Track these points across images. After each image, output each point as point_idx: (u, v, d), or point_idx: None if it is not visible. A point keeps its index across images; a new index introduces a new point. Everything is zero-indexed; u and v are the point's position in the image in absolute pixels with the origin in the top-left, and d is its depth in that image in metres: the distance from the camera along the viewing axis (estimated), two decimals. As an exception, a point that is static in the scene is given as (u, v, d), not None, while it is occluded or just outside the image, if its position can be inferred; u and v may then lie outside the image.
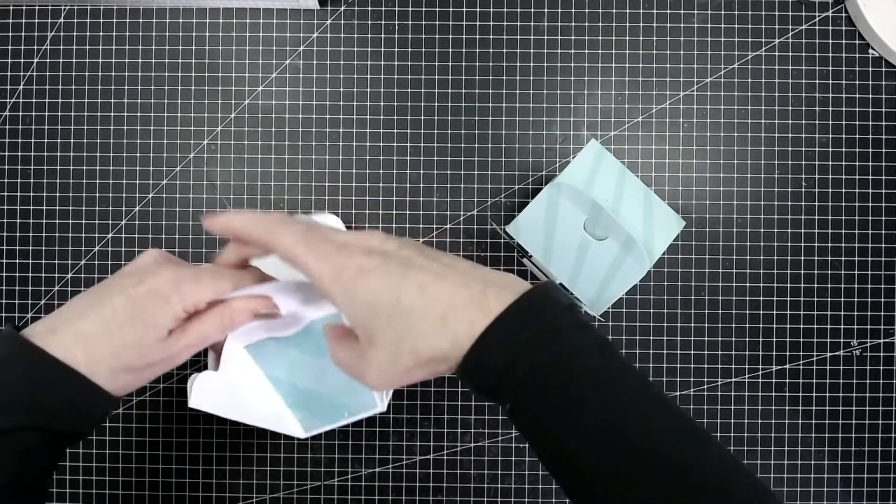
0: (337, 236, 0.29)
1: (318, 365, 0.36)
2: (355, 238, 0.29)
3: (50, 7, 0.48)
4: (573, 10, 0.47)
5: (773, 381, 0.46)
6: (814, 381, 0.46)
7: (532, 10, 0.47)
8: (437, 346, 0.26)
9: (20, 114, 0.47)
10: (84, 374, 0.29)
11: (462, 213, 0.47)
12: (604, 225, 0.39)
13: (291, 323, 0.36)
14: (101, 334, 0.30)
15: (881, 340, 0.46)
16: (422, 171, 0.47)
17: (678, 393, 0.46)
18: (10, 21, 0.48)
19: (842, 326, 0.46)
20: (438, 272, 0.27)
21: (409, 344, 0.26)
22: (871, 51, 0.47)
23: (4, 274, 0.47)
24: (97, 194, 0.47)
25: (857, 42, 0.47)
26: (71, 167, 0.47)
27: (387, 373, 0.27)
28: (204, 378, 0.35)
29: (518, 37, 0.47)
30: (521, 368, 0.25)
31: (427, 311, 0.26)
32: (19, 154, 0.47)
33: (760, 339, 0.46)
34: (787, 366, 0.46)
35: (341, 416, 0.37)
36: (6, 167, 0.47)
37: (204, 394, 0.35)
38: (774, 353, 0.46)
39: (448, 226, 0.47)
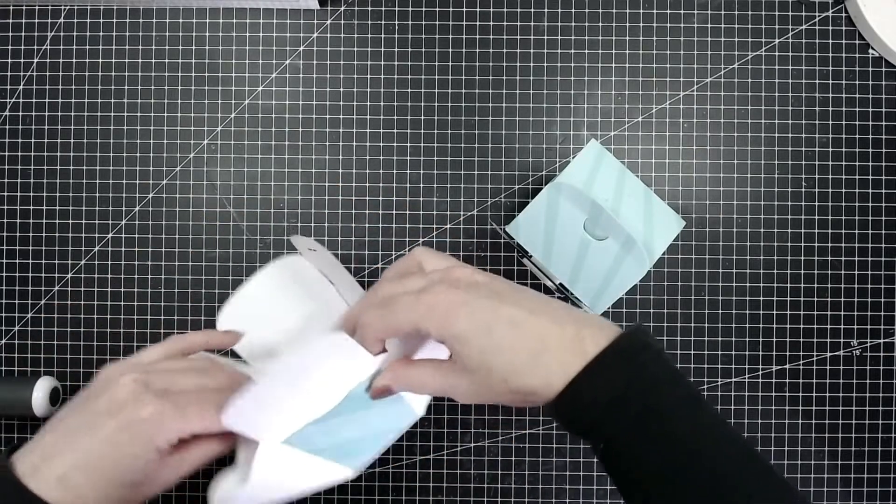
0: (416, 280, 0.29)
1: (360, 416, 0.33)
2: (444, 273, 0.29)
3: (50, 7, 0.48)
4: (573, 10, 0.47)
5: (773, 381, 0.46)
6: (814, 381, 0.46)
7: (532, 10, 0.47)
8: (527, 382, 0.27)
9: (20, 114, 0.47)
10: None
11: (462, 213, 0.47)
12: (604, 225, 0.39)
13: (328, 396, 0.31)
14: (83, 475, 0.29)
15: (881, 340, 0.46)
16: (422, 171, 0.47)
17: (678, 393, 0.46)
18: (10, 21, 0.48)
19: (842, 326, 0.46)
20: (531, 308, 0.28)
21: (499, 374, 0.27)
22: (871, 51, 0.47)
23: (4, 274, 0.47)
24: (97, 194, 0.47)
25: (857, 42, 0.47)
26: (71, 167, 0.47)
27: (477, 393, 0.28)
28: (227, 486, 0.31)
29: (518, 37, 0.47)
30: (619, 414, 0.26)
31: (518, 346, 0.27)
32: (19, 154, 0.47)
33: (760, 339, 0.46)
34: (787, 366, 0.46)
35: (386, 440, 0.33)
36: (6, 167, 0.47)
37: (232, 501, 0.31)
38: (774, 353, 0.46)
39: (448, 226, 0.47)
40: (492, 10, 0.47)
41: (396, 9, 0.47)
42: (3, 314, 0.47)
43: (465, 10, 0.47)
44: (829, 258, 0.47)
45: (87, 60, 0.47)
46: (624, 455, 0.27)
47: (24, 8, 0.48)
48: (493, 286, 0.28)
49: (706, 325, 0.46)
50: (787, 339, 0.46)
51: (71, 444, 0.29)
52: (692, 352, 0.46)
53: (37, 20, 0.48)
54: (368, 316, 0.29)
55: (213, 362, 0.35)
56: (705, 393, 0.46)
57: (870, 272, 0.46)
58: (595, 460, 0.46)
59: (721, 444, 0.26)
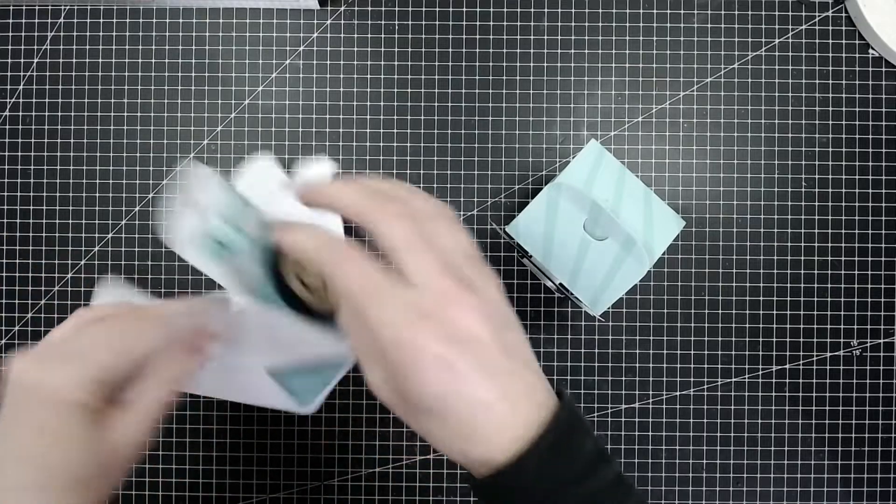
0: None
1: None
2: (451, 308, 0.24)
3: (50, 7, 0.48)
4: (573, 10, 0.47)
5: (773, 381, 0.46)
6: (814, 381, 0.46)
7: (532, 10, 0.47)
8: (465, 449, 0.23)
9: (20, 114, 0.47)
10: None
11: (462, 213, 0.47)
12: (604, 225, 0.39)
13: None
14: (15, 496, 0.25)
15: (881, 340, 0.46)
16: (422, 172, 0.47)
17: (678, 393, 0.46)
18: (10, 21, 0.48)
19: (842, 326, 0.46)
20: (502, 380, 0.23)
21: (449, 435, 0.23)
22: (871, 51, 0.47)
23: (4, 274, 0.47)
24: (97, 194, 0.47)
25: (857, 42, 0.47)
26: (71, 167, 0.47)
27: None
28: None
29: (518, 37, 0.47)
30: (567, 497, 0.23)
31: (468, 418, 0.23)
32: (19, 154, 0.47)
33: (760, 339, 0.46)
34: (787, 366, 0.46)
35: (330, 380, 0.34)
36: (6, 167, 0.47)
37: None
38: (774, 353, 0.46)
39: (448, 226, 0.47)
40: (492, 10, 0.47)
41: (396, 9, 0.47)
42: (4, 314, 0.47)
43: (465, 10, 0.47)
44: (829, 258, 0.47)
45: (87, 60, 0.47)
46: None
47: (24, 8, 0.48)
48: (503, 339, 0.24)
49: (706, 325, 0.46)
50: (787, 339, 0.46)
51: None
52: (692, 352, 0.46)
53: (37, 20, 0.48)
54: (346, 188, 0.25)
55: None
56: (705, 393, 0.46)
57: (870, 272, 0.46)
58: (595, 460, 0.46)
59: None
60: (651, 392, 0.46)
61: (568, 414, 0.24)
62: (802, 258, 0.47)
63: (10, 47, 0.47)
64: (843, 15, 0.47)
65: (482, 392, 0.23)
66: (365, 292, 0.24)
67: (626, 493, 0.24)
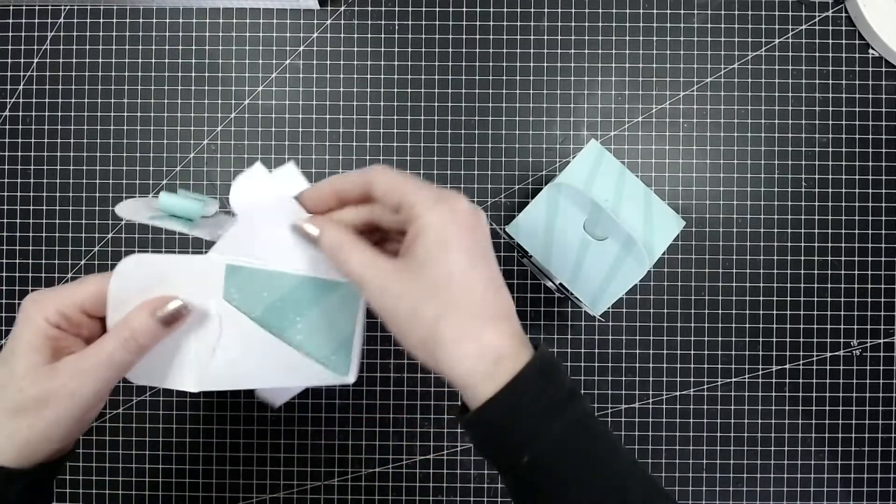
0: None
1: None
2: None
3: (50, 7, 0.48)
4: (573, 10, 0.47)
5: (773, 381, 0.46)
6: (814, 381, 0.46)
7: (532, 10, 0.47)
8: (472, 364, 0.26)
9: (20, 114, 0.47)
10: None
11: (462, 213, 0.47)
12: (604, 225, 0.39)
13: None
14: (12, 420, 0.27)
15: (881, 340, 0.46)
16: (422, 172, 0.47)
17: (678, 393, 0.46)
18: (10, 21, 0.48)
19: (842, 326, 0.46)
20: (508, 304, 0.27)
21: (435, 311, 0.26)
22: (871, 51, 0.47)
23: (4, 274, 0.47)
24: (97, 194, 0.47)
25: (857, 42, 0.47)
26: (71, 167, 0.47)
27: (395, 310, 0.27)
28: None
29: (518, 37, 0.47)
30: (555, 423, 0.26)
31: (477, 298, 0.26)
32: (19, 154, 0.47)
33: (760, 339, 0.46)
34: (787, 366, 0.46)
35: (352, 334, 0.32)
36: (6, 167, 0.47)
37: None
38: (774, 353, 0.46)
39: (448, 226, 0.47)
40: (492, 10, 0.47)
41: (396, 9, 0.47)
42: (4, 314, 0.47)
43: (465, 10, 0.47)
44: (829, 258, 0.47)
45: (87, 60, 0.47)
46: (551, 472, 0.26)
47: (24, 8, 0.48)
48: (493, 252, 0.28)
49: (706, 325, 0.46)
50: (787, 339, 0.46)
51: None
52: (692, 352, 0.46)
53: (37, 20, 0.48)
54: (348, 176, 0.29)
55: None
56: (705, 393, 0.46)
57: (870, 272, 0.46)
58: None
59: (634, 472, 0.27)
60: (651, 392, 0.46)
61: (547, 353, 0.27)
62: (802, 258, 0.47)
63: (10, 47, 0.47)
64: (843, 15, 0.47)
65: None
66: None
67: (602, 425, 0.27)
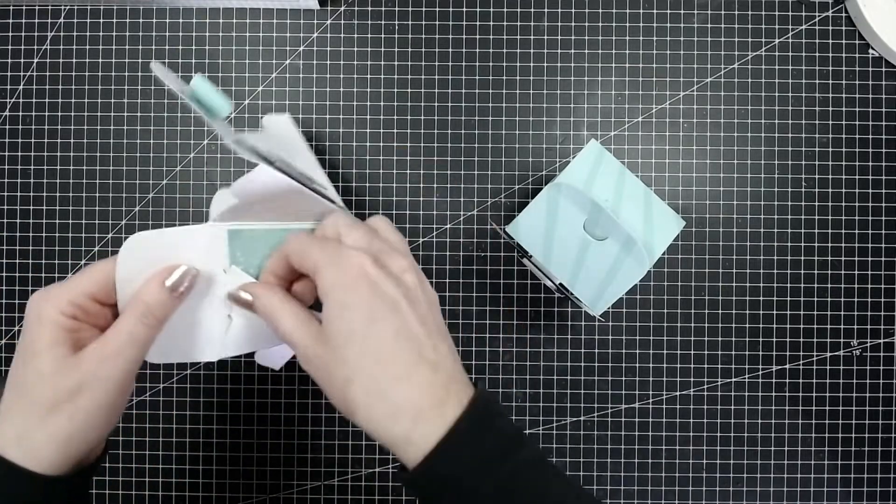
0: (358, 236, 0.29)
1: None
2: (383, 245, 0.28)
3: (50, 7, 0.48)
4: (573, 10, 0.47)
5: (773, 381, 0.46)
6: (814, 381, 0.46)
7: (532, 10, 0.47)
8: (383, 421, 0.25)
9: (20, 114, 0.47)
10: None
11: (462, 213, 0.47)
12: (604, 225, 0.39)
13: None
14: (23, 420, 0.27)
15: (881, 340, 0.46)
16: (422, 171, 0.47)
17: (678, 393, 0.46)
18: (10, 21, 0.48)
19: (842, 326, 0.46)
20: (423, 353, 0.26)
21: (350, 378, 0.26)
22: (871, 51, 0.47)
23: (4, 274, 0.47)
24: (97, 194, 0.47)
25: (857, 42, 0.47)
26: (71, 167, 0.47)
27: (318, 368, 0.27)
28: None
29: (518, 37, 0.47)
30: (488, 476, 0.25)
31: (391, 372, 0.25)
32: (19, 154, 0.47)
33: (760, 339, 0.46)
34: (787, 366, 0.46)
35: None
36: (6, 167, 0.47)
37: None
38: (774, 353, 0.46)
39: (448, 226, 0.47)
40: (492, 10, 0.47)
41: (396, 9, 0.47)
42: (4, 314, 0.47)
43: (465, 10, 0.47)
44: (829, 258, 0.47)
45: (87, 60, 0.47)
46: None
47: (24, 8, 0.48)
48: (410, 294, 0.27)
49: (706, 325, 0.46)
50: (787, 339, 0.46)
51: (18, 395, 0.28)
52: (692, 352, 0.46)
53: (37, 20, 0.48)
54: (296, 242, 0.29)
55: None
56: (705, 393, 0.46)
57: (870, 272, 0.46)
58: (595, 460, 0.46)
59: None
60: (651, 392, 0.46)
61: (484, 398, 0.26)
62: (802, 258, 0.47)
63: (10, 47, 0.47)
64: (843, 15, 0.47)
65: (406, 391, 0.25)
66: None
67: (552, 472, 0.26)
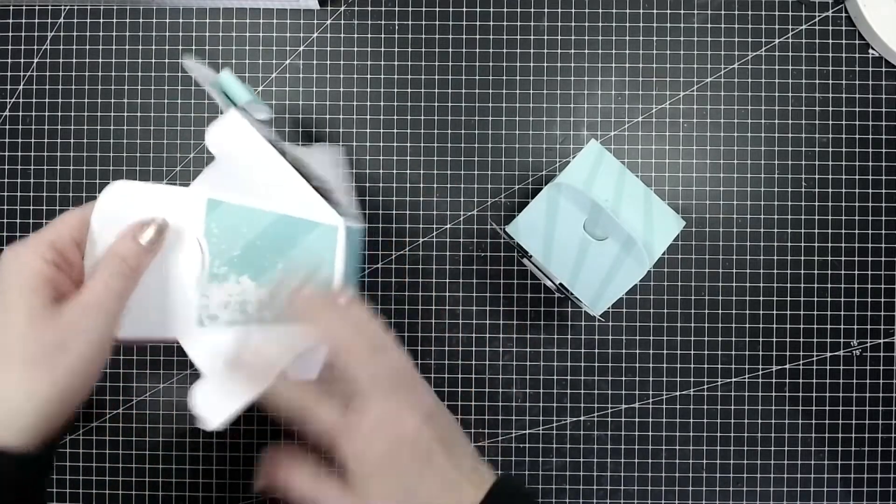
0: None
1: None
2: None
3: (50, 7, 0.48)
4: (573, 10, 0.47)
5: (773, 381, 0.46)
6: (814, 381, 0.46)
7: (532, 10, 0.47)
8: None
9: (20, 114, 0.47)
10: None
11: (462, 213, 0.47)
12: (604, 225, 0.39)
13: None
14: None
15: (881, 340, 0.46)
16: (422, 171, 0.47)
17: (678, 393, 0.46)
18: (10, 21, 0.48)
19: (842, 326, 0.46)
20: (446, 476, 0.28)
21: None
22: (871, 51, 0.47)
23: (4, 274, 0.47)
24: (97, 194, 0.47)
25: (857, 42, 0.47)
26: (71, 167, 0.47)
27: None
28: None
29: (518, 37, 0.47)
30: None
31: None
32: (19, 154, 0.47)
33: (760, 339, 0.46)
34: (787, 366, 0.46)
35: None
36: (6, 167, 0.47)
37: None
38: (774, 353, 0.46)
39: (448, 226, 0.47)
40: (492, 10, 0.47)
41: (396, 9, 0.47)
42: (3, 314, 0.47)
43: (465, 10, 0.47)
44: (829, 258, 0.47)
45: (87, 60, 0.47)
46: None
47: (24, 8, 0.48)
48: (439, 428, 0.29)
49: (706, 325, 0.46)
50: (787, 339, 0.46)
51: None
52: (692, 352, 0.46)
53: (37, 20, 0.48)
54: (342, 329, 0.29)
55: None
56: (705, 393, 0.46)
57: (870, 272, 0.46)
58: (595, 460, 0.46)
59: None
60: (651, 392, 0.46)
61: (504, 486, 0.27)
62: (802, 258, 0.47)
63: (10, 47, 0.47)
64: (843, 15, 0.47)
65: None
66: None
67: None
